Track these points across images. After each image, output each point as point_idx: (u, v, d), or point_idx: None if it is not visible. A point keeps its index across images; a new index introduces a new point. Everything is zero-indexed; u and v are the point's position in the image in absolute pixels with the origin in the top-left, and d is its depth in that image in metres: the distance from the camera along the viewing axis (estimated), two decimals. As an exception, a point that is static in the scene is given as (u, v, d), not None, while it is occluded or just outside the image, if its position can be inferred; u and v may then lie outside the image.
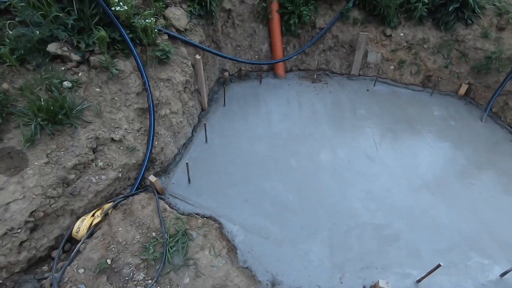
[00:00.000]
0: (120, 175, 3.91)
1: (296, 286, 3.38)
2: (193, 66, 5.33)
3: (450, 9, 6.38)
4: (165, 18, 4.98)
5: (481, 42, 6.59)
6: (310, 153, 5.31)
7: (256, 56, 7.28)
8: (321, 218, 4.20)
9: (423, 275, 3.41)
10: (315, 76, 7.32)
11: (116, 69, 4.06)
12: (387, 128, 6.05)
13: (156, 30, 4.52)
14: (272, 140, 5.51)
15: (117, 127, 3.98)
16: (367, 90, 7.20)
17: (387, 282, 3.17)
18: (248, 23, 6.89)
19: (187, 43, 5.21)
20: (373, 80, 7.41)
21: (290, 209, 4.33)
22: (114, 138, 3.90)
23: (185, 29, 5.23)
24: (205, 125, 5.08)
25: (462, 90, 6.94)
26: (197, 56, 5.19)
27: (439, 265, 3.10)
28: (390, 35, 7.13)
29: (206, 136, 5.22)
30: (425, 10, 6.58)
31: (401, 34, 7.08)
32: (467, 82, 6.90)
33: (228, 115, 6.04)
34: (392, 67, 7.37)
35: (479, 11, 6.41)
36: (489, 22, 6.58)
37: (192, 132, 5.42)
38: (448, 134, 6.01)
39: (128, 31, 4.25)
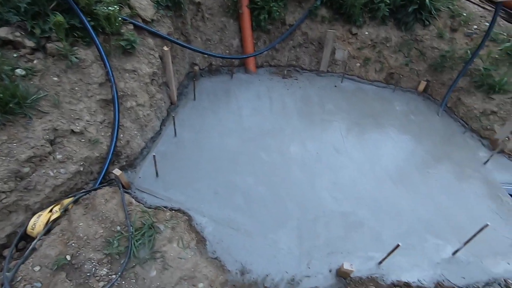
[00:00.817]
0: (81, 169, 3.72)
1: (265, 273, 3.42)
2: (160, 58, 5.20)
3: (409, 10, 6.78)
4: (130, 7, 4.80)
5: (437, 42, 7.08)
6: (280, 147, 5.39)
7: (227, 51, 7.25)
8: (291, 208, 4.28)
9: (380, 255, 3.61)
10: (285, 72, 7.44)
11: (76, 58, 3.85)
12: (354, 123, 6.30)
13: (120, 19, 4.35)
14: (243, 135, 5.52)
15: (77, 119, 3.78)
16: (335, 86, 7.45)
17: (351, 264, 3.31)
18: (218, 17, 6.84)
19: (154, 34, 5.07)
20: (340, 76, 7.68)
21: (260, 201, 4.37)
22: (74, 130, 3.70)
23: (152, 20, 5.09)
24: (173, 118, 4.97)
25: (421, 87, 7.41)
26: (165, 48, 5.06)
27: (398, 246, 3.29)
28: (356, 34, 7.42)
29: (175, 129, 5.11)
30: (387, 10, 6.93)
31: (366, 33, 7.40)
32: (425, 79, 7.37)
33: (198, 110, 5.97)
34: (358, 64, 7.68)
35: (435, 12, 6.87)
36: (444, 23, 7.08)
37: (160, 125, 5.29)
38: (409, 128, 6.38)
39: (90, 18, 4.05)
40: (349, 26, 7.40)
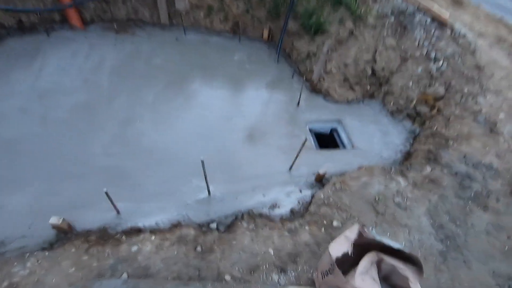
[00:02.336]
0: None
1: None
2: None
3: (233, -51, 6.32)
4: None
5: (272, -15, 6.81)
6: (71, 104, 4.93)
7: (42, 5, 6.31)
8: (44, 168, 3.96)
9: (131, 204, 3.50)
10: (115, 26, 6.76)
11: None
12: (178, 75, 5.98)
13: None
14: (31, 95, 4.95)
15: None
16: (176, 39, 6.99)
17: (60, 217, 3.13)
18: (14, -37, 5.82)
19: None
20: (186, 29, 7.22)
21: (9, 160, 3.97)
22: None
23: None
24: None
25: (265, 35, 7.23)
26: None
27: (105, 192, 3.14)
28: (192, -20, 6.87)
29: None
30: (212, -50, 6.40)
31: (203, -21, 6.88)
32: (268, 26, 7.18)
33: (-16, 73, 5.19)
34: (202, 14, 7.23)
35: (261, -48, 6.50)
36: (276, -35, 6.79)
37: None
38: (238, 77, 6.23)
39: None
40: (183, -29, 6.80)
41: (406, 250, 2.49)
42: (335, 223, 3.47)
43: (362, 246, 2.59)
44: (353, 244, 2.57)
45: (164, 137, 4.65)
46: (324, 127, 5.64)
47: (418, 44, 5.79)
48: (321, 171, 4.15)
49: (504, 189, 3.92)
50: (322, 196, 3.83)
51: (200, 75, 6.07)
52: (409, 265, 2.45)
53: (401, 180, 4.01)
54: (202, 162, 3.28)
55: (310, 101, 5.86)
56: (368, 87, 5.97)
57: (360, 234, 2.61)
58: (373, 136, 5.26)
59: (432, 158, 4.24)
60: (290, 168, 4.41)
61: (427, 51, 5.70)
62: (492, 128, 4.70)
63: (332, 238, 3.34)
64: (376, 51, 5.84)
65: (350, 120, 5.59)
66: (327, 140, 5.68)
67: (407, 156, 4.77)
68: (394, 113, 5.64)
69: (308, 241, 3.31)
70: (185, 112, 5.19)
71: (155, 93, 5.44)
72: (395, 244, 2.49)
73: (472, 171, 4.07)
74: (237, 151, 4.60)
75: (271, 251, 3.20)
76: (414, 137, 5.08)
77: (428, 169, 4.11)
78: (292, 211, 3.86)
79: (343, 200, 3.78)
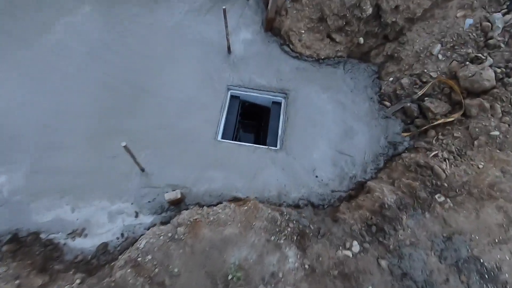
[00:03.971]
0: None
1: None
2: None
3: None
4: None
5: None
6: None
7: None
8: None
9: None
10: None
11: None
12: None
13: None
14: None
15: None
16: None
17: None
18: None
19: None
20: None
21: None
22: None
23: None
24: None
25: None
26: None
27: None
28: None
29: None
30: None
31: None
32: None
33: None
34: None
35: None
36: None
37: None
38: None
39: None
40: None
41: None
42: (118, 311, 1.97)
43: None
44: None
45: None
46: (262, 98, 3.48)
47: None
48: (171, 196, 2.41)
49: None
50: (142, 245, 2.22)
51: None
52: None
53: (291, 253, 2.15)
54: None
55: (258, 48, 3.57)
56: (361, 40, 3.35)
57: None
58: (326, 134, 3.09)
59: (379, 224, 2.18)
60: (142, 170, 2.70)
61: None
62: (550, 185, 2.28)
63: None
64: (393, -30, 2.98)
65: (306, 94, 3.34)
66: (265, 119, 3.62)
67: (357, 192, 2.68)
68: (386, 99, 3.19)
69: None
70: (33, 56, 3.33)
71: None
72: None
73: (443, 275, 2.02)
74: (80, 123, 2.92)
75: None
76: (390, 158, 2.82)
77: (355, 246, 2.12)
78: (98, 250, 2.39)
79: (172, 263, 2.15)
